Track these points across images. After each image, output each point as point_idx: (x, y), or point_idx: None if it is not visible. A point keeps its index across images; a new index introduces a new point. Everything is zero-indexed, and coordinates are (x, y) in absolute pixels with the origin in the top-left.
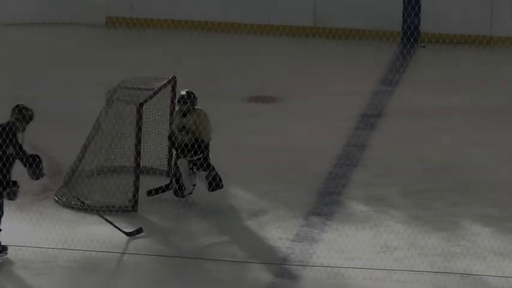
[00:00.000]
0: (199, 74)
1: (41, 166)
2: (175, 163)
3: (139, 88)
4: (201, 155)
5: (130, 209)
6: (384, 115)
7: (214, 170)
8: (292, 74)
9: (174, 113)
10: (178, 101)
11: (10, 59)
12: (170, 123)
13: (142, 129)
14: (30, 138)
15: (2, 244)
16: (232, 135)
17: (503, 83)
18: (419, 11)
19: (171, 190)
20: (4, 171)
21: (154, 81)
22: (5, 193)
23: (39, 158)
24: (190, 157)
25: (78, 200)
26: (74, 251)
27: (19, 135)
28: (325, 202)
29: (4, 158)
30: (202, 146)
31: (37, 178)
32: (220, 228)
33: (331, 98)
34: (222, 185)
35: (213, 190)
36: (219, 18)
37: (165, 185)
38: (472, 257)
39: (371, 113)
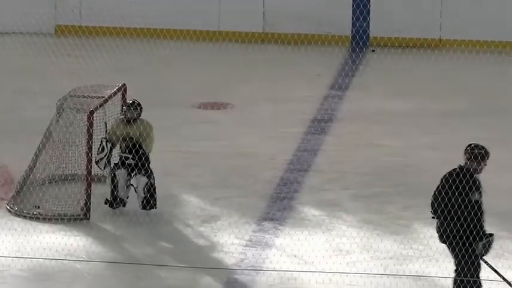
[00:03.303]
0: (149, 81)
1: None
2: (114, 173)
3: (89, 96)
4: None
5: (82, 217)
6: (334, 120)
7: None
8: (242, 80)
9: (115, 121)
10: (128, 108)
11: None
12: (108, 130)
13: (93, 137)
14: None
15: None
16: (183, 141)
17: (453, 86)
18: (368, 15)
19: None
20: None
21: (104, 89)
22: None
23: None
24: (130, 159)
25: (35, 207)
26: (26, 259)
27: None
28: (278, 207)
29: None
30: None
31: None
32: (173, 234)
33: (281, 103)
34: (156, 206)
35: (144, 208)
36: (168, 26)
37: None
38: (425, 259)
39: (321, 118)
